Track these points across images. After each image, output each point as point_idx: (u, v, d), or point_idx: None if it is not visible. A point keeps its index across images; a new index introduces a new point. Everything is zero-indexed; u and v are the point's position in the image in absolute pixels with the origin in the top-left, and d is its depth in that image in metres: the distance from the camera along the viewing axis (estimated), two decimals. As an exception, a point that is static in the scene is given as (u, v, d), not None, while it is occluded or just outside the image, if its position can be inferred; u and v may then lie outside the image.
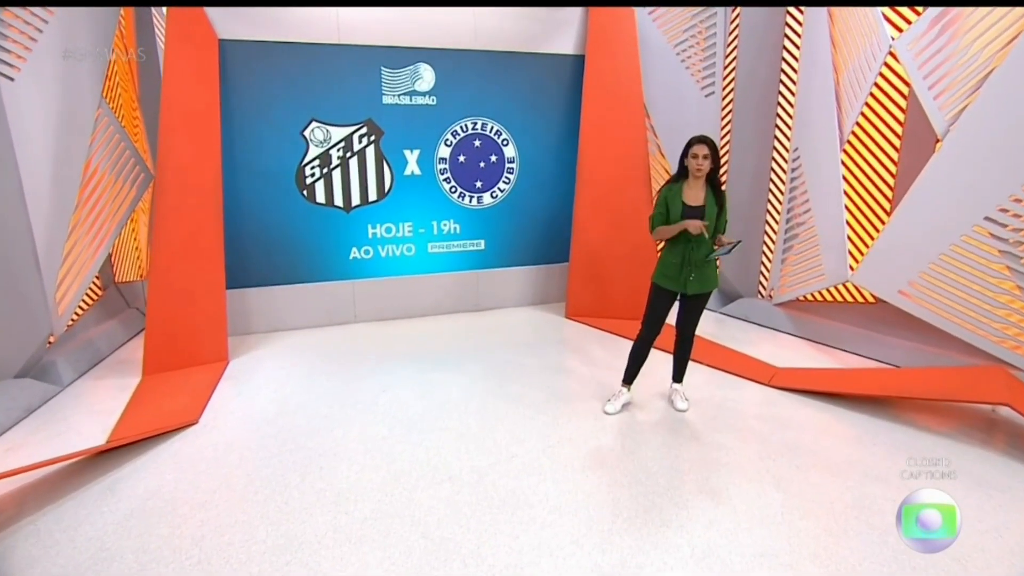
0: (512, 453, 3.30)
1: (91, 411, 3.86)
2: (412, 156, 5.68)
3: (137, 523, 2.68)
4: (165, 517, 2.73)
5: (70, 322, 4.68)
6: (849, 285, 5.16)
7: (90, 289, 5.11)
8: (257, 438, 3.49)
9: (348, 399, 4.02)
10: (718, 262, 3.54)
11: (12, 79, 3.83)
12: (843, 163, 4.86)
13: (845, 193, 4.88)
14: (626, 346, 4.10)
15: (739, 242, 3.34)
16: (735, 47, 5.53)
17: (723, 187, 3.51)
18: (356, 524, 2.69)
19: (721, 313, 6.01)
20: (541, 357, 4.79)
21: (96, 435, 3.51)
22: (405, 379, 4.36)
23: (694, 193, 3.48)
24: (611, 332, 5.36)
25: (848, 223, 4.90)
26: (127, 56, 5.38)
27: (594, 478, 3.04)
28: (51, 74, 4.17)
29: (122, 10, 5.16)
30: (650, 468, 3.14)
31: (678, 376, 3.95)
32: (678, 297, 3.66)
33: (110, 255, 5.48)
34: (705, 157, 3.37)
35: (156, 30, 5.28)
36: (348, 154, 5.46)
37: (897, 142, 4.76)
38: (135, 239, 6.02)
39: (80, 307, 4.92)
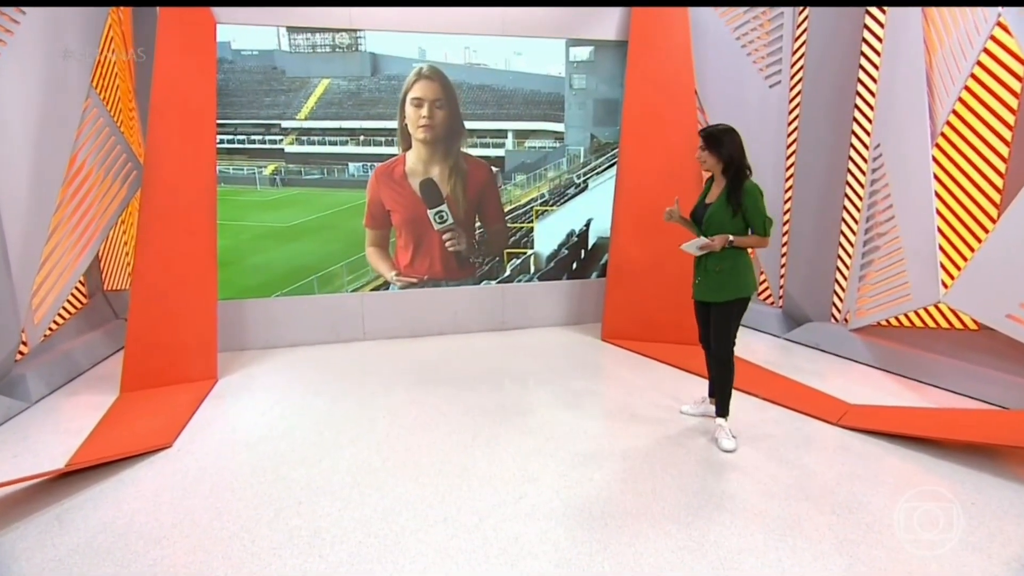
0: (521, 493, 3.14)
1: (57, 430, 3.87)
2: (429, 153, 5.65)
3: (80, 561, 2.62)
4: (113, 554, 2.66)
5: (47, 332, 4.76)
6: (942, 307, 4.83)
7: (73, 296, 5.20)
8: (233, 466, 3.43)
9: (342, 425, 3.95)
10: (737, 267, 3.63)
11: (-11, 64, 3.95)
12: (935, 160, 4.57)
13: (937, 196, 4.58)
14: (668, 373, 3.98)
15: (709, 241, 3.51)
16: (805, 28, 5.33)
17: (747, 182, 3.50)
18: (329, 569, 2.57)
19: (786, 339, 5.73)
20: (568, 384, 4.65)
21: (57, 457, 3.50)
22: (410, 404, 4.27)
23: (716, 190, 3.61)
24: (651, 357, 5.15)
25: (941, 232, 4.60)
26: (127, 56, 5.54)
27: (615, 527, 2.85)
28: (34, 61, 4.29)
29: (120, 10, 5.32)
30: (682, 519, 2.93)
31: (719, 409, 3.78)
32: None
33: (98, 260, 5.58)
34: (703, 149, 3.54)
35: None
36: (358, 150, 5.50)
37: (1007, 133, 4.43)
38: (127, 243, 6.13)
39: (60, 316, 5.00)
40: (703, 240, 3.53)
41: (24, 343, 4.44)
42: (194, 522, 2.90)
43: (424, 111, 5.46)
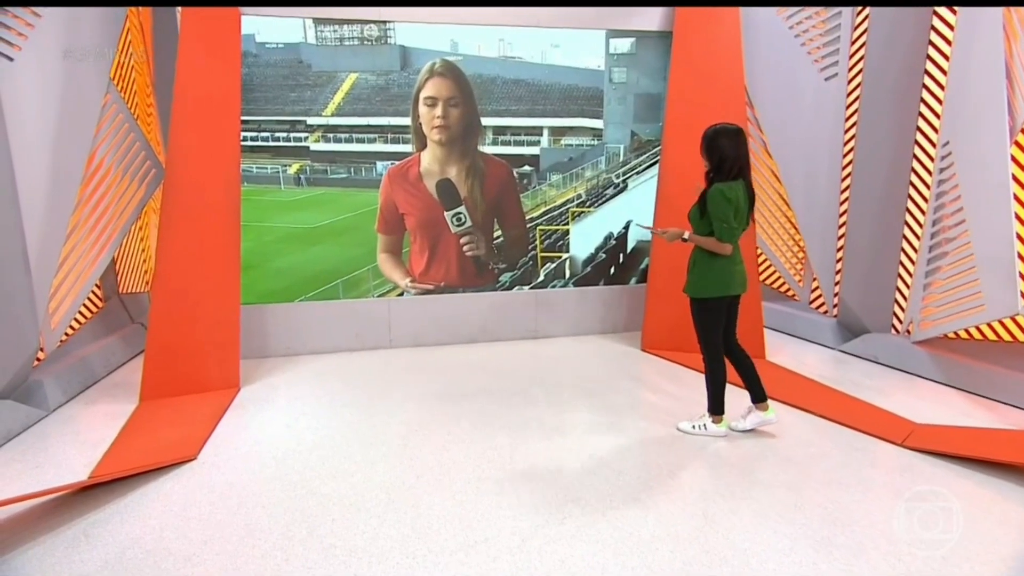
0: (564, 514, 3.18)
1: (77, 441, 3.99)
2: (460, 151, 5.72)
3: (110, 576, 2.71)
4: (144, 571, 2.74)
5: (63, 337, 4.89)
6: (1020, 320, 4.76)
7: (89, 300, 5.34)
8: (262, 480, 3.51)
9: (373, 438, 4.02)
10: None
11: (11, 59, 4.08)
12: (1014, 159, 4.51)
13: (1016, 198, 4.52)
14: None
15: (663, 231, 3.95)
16: (866, 15, 5.30)
17: (713, 187, 3.76)
18: (367, 592, 2.63)
19: (841, 351, 5.70)
20: (608, 397, 4.67)
21: (79, 469, 3.60)
22: (442, 417, 4.33)
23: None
24: (696, 369, 5.11)
25: (1020, 238, 4.52)
26: (141, 51, 5.68)
27: (666, 552, 2.87)
28: (55, 54, 4.42)
29: (139, 8, 5.46)
30: (738, 544, 2.94)
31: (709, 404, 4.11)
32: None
33: (114, 262, 5.72)
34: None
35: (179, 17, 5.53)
36: (385, 147, 5.59)
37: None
38: (143, 244, 6.27)
39: (76, 320, 5.14)
40: (655, 228, 4.01)
41: (40, 348, 4.56)
42: (225, 539, 2.97)
43: (438, 111, 5.50)
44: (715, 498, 3.34)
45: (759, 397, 4.05)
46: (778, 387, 4.74)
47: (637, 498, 3.33)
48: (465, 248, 5.75)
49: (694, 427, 4.08)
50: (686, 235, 3.85)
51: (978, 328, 4.97)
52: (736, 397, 4.12)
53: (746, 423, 4.08)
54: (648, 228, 4.15)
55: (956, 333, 5.06)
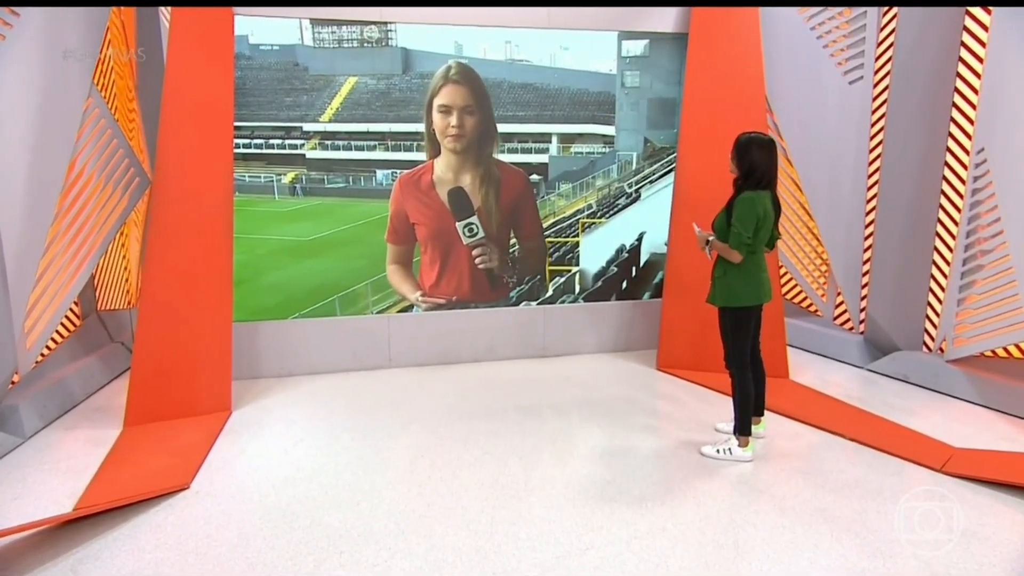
0: (586, 544, 3.18)
1: (58, 469, 3.96)
2: (464, 158, 5.76)
3: (105, 613, 2.68)
4: (140, 607, 2.72)
5: (39, 358, 4.85)
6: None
7: (65, 318, 5.30)
8: (262, 510, 3.50)
9: (377, 464, 4.02)
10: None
11: (-11, 59, 4.09)
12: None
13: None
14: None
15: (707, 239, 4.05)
16: (893, 16, 5.36)
17: (743, 193, 3.89)
18: (381, 631, 2.61)
19: (869, 370, 5.72)
20: (624, 420, 4.69)
21: (62, 500, 3.58)
22: (449, 441, 4.33)
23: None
24: (714, 389, 5.16)
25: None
26: (127, 55, 5.70)
27: (701, 586, 2.87)
28: (33, 55, 4.43)
29: (122, 8, 5.49)
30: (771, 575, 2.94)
31: (736, 425, 4.14)
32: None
33: (93, 277, 5.69)
34: (731, 155, 3.97)
35: (163, 17, 5.55)
36: (385, 155, 5.61)
37: None
38: (124, 258, 6.26)
39: (53, 340, 5.10)
40: (699, 231, 4.11)
41: (15, 370, 4.53)
42: (226, 573, 2.95)
43: (453, 119, 5.52)
44: (745, 527, 3.34)
45: (757, 411, 4.25)
46: (805, 408, 4.78)
47: (663, 527, 3.33)
48: (477, 260, 5.76)
49: (718, 451, 4.10)
50: (709, 238, 4.02)
51: (1018, 346, 4.99)
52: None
53: (729, 425, 4.23)
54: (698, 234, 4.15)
55: (994, 351, 5.07)
